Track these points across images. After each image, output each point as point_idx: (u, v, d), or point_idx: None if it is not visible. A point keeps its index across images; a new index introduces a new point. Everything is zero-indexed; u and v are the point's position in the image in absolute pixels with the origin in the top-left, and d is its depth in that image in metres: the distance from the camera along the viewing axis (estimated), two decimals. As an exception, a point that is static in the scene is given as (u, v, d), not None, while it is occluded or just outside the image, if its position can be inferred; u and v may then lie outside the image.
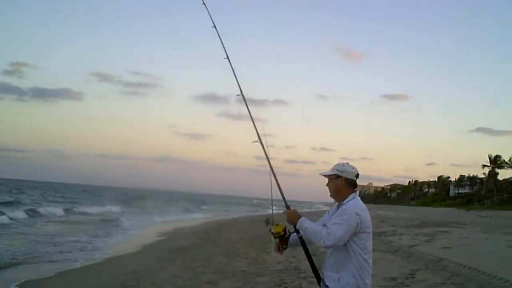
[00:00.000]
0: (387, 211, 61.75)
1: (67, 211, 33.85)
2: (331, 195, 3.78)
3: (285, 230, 3.84)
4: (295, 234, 3.81)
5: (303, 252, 3.89)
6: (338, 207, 3.71)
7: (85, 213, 33.78)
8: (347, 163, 3.78)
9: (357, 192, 3.77)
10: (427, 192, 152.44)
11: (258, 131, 4.60)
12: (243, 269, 10.56)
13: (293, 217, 3.74)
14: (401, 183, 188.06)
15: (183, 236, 20.79)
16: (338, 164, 3.78)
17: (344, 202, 3.66)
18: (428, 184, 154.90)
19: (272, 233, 3.84)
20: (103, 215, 33.19)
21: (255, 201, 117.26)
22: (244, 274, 9.91)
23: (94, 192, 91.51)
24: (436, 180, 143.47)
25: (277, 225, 3.85)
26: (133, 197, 71.05)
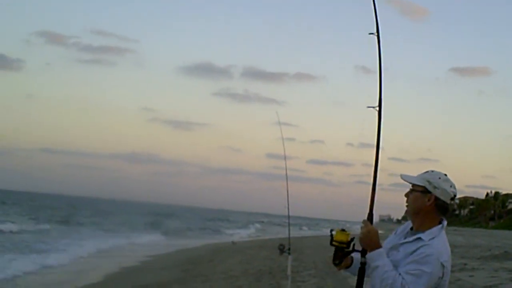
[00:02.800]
0: (454, 235, 61.45)
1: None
2: (407, 212, 3.67)
3: (350, 242, 3.72)
4: (358, 254, 3.67)
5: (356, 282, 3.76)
6: (411, 234, 3.60)
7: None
8: (446, 175, 3.62)
9: (445, 223, 3.61)
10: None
11: (277, 117, 4.59)
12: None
13: (372, 241, 3.56)
14: (476, 196, 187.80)
15: (161, 266, 20.86)
16: (430, 173, 3.63)
17: (424, 236, 3.50)
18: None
19: (332, 239, 3.71)
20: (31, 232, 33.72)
21: (265, 220, 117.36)
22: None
23: (27, 202, 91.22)
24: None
25: (341, 230, 3.73)
26: (89, 209, 71.49)
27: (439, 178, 3.56)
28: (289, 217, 3.93)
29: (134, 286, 15.44)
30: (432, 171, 3.63)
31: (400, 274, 3.41)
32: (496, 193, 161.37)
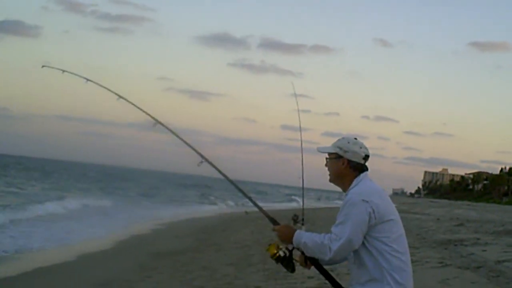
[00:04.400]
0: (467, 210, 61.50)
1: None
2: (330, 180, 3.94)
3: (279, 248, 3.96)
4: (297, 251, 3.93)
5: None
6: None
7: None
8: (355, 139, 3.89)
9: (365, 174, 3.84)
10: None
11: (293, 88, 4.59)
12: (258, 285, 10.66)
13: (286, 233, 3.89)
14: (490, 172, 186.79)
15: (175, 235, 21.03)
16: (340, 139, 3.89)
17: (347, 191, 3.79)
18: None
19: (272, 257, 3.99)
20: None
21: (283, 191, 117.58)
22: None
23: (46, 171, 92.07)
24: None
25: (270, 245, 4.01)
26: (106, 178, 72.08)
27: (348, 142, 3.85)
28: (303, 188, 3.96)
29: (150, 253, 15.58)
30: (343, 137, 3.90)
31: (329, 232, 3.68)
32: (511, 169, 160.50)
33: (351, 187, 3.77)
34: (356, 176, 3.81)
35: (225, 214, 37.68)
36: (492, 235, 20.94)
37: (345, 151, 3.82)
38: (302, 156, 4.24)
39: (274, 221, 4.06)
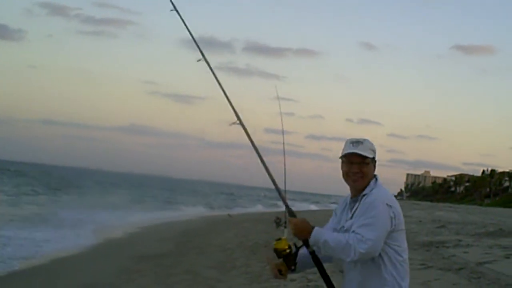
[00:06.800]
0: (449, 212, 61.79)
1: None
2: (360, 183, 3.78)
3: (290, 246, 3.85)
4: (304, 251, 3.82)
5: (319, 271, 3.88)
6: (354, 201, 3.78)
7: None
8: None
9: (378, 177, 3.84)
10: (508, 187, 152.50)
11: (276, 91, 4.62)
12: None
13: (303, 228, 3.72)
14: (472, 174, 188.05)
15: (158, 238, 20.98)
16: (369, 141, 3.85)
17: (365, 192, 3.72)
18: (510, 175, 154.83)
19: (276, 250, 3.85)
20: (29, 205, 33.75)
21: (263, 193, 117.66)
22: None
23: (23, 174, 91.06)
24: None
25: (279, 239, 3.87)
26: (88, 181, 71.48)
27: (372, 143, 3.83)
28: (285, 191, 3.99)
29: (132, 256, 15.54)
30: (366, 139, 3.83)
31: (353, 231, 3.56)
32: (492, 171, 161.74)
33: (370, 187, 3.73)
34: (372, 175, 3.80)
35: (208, 217, 37.61)
36: (474, 237, 21.12)
37: (375, 153, 3.83)
38: (284, 159, 4.25)
39: (291, 212, 3.86)
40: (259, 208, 58.72)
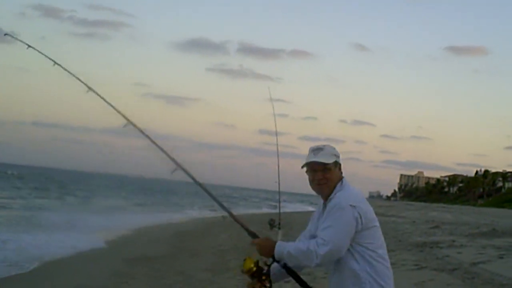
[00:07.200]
0: (443, 212, 61.96)
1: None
2: (326, 189, 3.85)
3: (258, 263, 3.92)
4: (276, 264, 3.89)
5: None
6: (325, 207, 3.83)
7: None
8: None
9: (344, 179, 3.89)
10: (501, 188, 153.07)
11: (269, 93, 4.63)
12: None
13: (266, 246, 3.84)
14: (465, 174, 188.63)
15: (150, 241, 20.94)
16: (327, 147, 3.91)
17: (331, 196, 3.79)
18: (504, 176, 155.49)
19: (244, 272, 3.95)
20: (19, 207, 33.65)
21: (256, 195, 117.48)
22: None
23: (14, 176, 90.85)
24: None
25: (246, 259, 3.95)
26: (80, 183, 71.31)
27: (334, 148, 3.91)
28: (279, 192, 3.99)
29: (124, 259, 15.50)
30: (326, 145, 3.91)
31: (315, 237, 3.67)
32: (486, 171, 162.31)
33: (335, 191, 3.78)
34: (339, 178, 3.85)
35: (201, 219, 37.54)
36: (467, 237, 21.17)
37: (338, 156, 3.87)
38: (278, 160, 4.27)
39: (253, 235, 4.00)
40: (253, 209, 58.62)
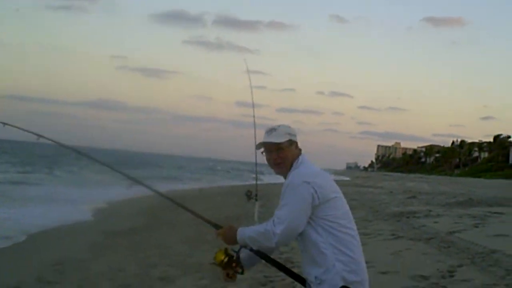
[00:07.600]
0: (420, 182, 62.69)
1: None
2: (283, 168, 3.87)
3: (228, 253, 3.99)
4: (244, 249, 3.94)
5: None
6: None
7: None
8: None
9: (304, 155, 3.92)
10: (477, 158, 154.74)
11: (245, 65, 4.60)
12: (212, 262, 10.74)
13: (229, 235, 3.92)
14: (442, 144, 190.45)
15: (128, 214, 20.94)
16: (284, 126, 3.92)
17: (288, 174, 3.83)
18: (480, 146, 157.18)
19: (215, 264, 4.04)
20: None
21: (239, 167, 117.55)
22: (213, 268, 10.05)
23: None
24: (492, 141, 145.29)
25: (217, 251, 4.03)
26: (49, 156, 70.80)
27: (289, 126, 3.93)
28: (256, 164, 4.02)
29: (105, 231, 15.48)
30: (281, 125, 3.92)
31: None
32: (462, 142, 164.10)
33: (292, 169, 3.82)
34: (297, 154, 3.88)
35: (177, 191, 37.51)
36: (444, 207, 21.45)
37: (293, 135, 3.89)
38: (255, 132, 4.26)
39: (216, 225, 4.07)
40: (236, 181, 58.70)
